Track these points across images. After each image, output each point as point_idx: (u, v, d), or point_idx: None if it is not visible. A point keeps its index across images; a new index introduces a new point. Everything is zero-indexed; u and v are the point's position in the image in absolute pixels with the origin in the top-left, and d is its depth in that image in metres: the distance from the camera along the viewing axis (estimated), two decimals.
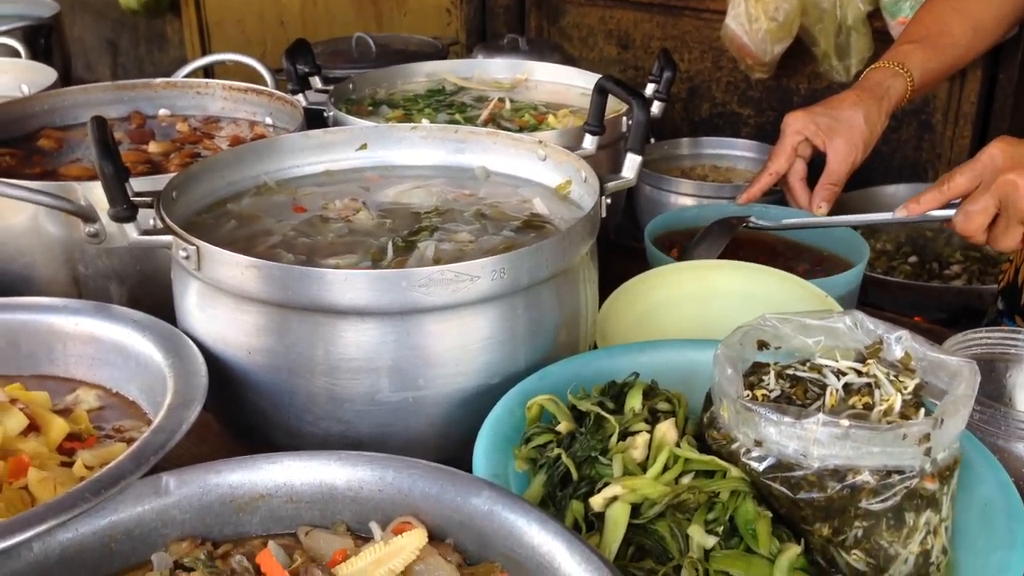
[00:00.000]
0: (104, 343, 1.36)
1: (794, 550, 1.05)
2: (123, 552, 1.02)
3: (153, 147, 1.84)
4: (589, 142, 1.64)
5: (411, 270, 1.20)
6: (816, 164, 1.98)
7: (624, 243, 2.15)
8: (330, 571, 0.96)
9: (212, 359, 1.27)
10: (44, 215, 1.55)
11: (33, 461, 1.12)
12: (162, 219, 1.30)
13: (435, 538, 1.02)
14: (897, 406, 1.11)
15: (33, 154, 1.83)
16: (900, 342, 1.19)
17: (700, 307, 1.63)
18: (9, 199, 1.52)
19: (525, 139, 1.65)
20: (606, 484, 1.10)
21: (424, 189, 1.61)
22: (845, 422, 1.03)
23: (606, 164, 1.76)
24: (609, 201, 1.44)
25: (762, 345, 1.22)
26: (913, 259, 2.77)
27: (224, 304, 1.26)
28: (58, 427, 1.19)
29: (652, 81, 2.06)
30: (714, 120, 3.56)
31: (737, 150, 2.73)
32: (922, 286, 2.57)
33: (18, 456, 1.12)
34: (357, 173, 1.67)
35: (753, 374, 1.19)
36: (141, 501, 1.03)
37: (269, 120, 2.01)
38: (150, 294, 1.55)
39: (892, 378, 1.16)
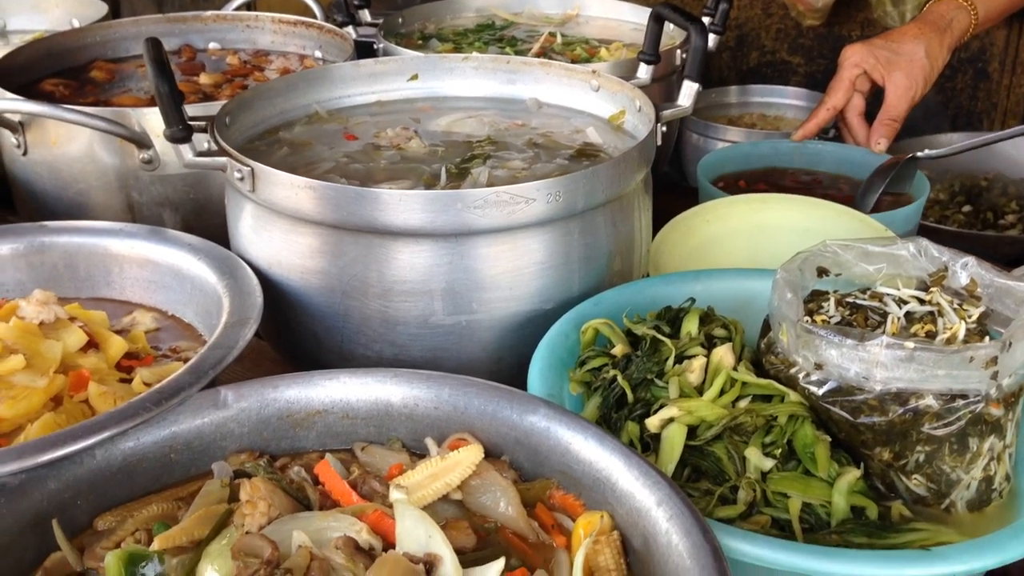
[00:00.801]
0: (160, 266, 1.36)
1: (853, 474, 1.04)
2: (183, 463, 1.03)
3: (204, 79, 1.84)
4: (644, 72, 1.61)
5: (466, 191, 1.19)
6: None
7: (673, 182, 2.12)
8: (387, 484, 0.96)
9: (266, 282, 1.27)
10: (98, 143, 1.56)
11: (93, 376, 1.14)
12: (216, 141, 1.30)
13: (490, 455, 1.02)
14: (961, 335, 1.08)
15: (86, 85, 1.84)
16: (966, 268, 1.16)
17: (753, 241, 1.60)
18: (65, 126, 1.53)
19: (578, 69, 1.62)
20: (662, 406, 1.09)
21: (476, 119, 1.60)
22: (910, 344, 1.01)
23: (658, 97, 1.72)
24: (664, 129, 1.42)
25: (822, 272, 1.19)
26: (967, 208, 2.70)
27: (278, 226, 1.26)
28: (116, 345, 1.21)
29: (707, 14, 2.02)
30: (763, 69, 3.48)
31: (786, 98, 2.67)
32: (976, 235, 2.51)
33: (79, 371, 1.14)
34: (408, 104, 1.66)
35: (812, 301, 1.17)
36: (200, 414, 1.04)
37: (319, 54, 2.00)
38: (203, 222, 1.55)
39: (956, 306, 1.13)
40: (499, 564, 0.83)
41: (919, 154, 1.81)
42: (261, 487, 0.89)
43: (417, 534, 0.83)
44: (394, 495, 0.88)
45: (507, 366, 1.28)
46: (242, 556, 0.81)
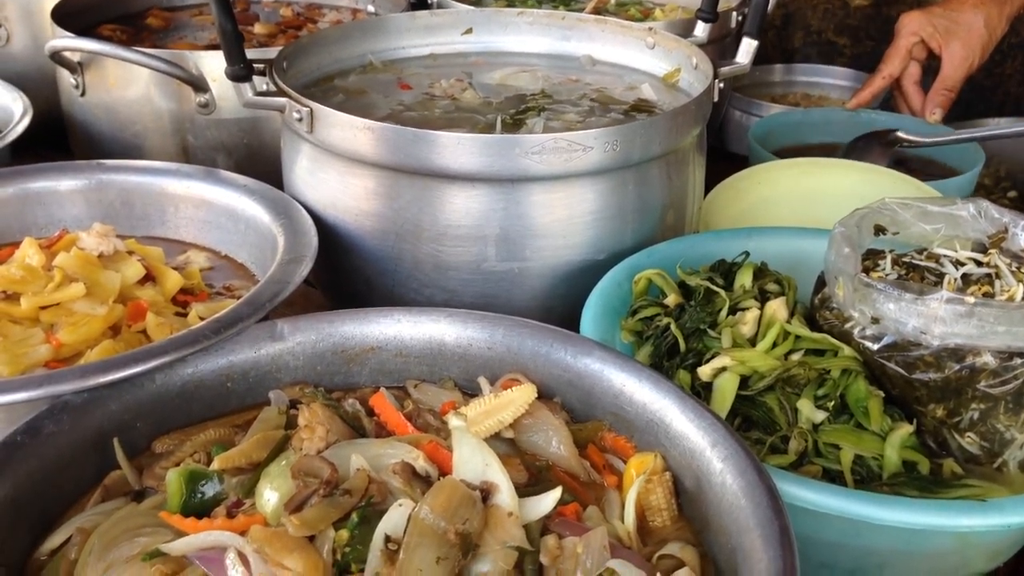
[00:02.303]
0: (214, 206, 1.38)
1: (906, 429, 1.03)
2: (239, 392, 1.04)
3: (259, 28, 1.85)
4: (701, 30, 1.60)
5: (524, 136, 1.19)
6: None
7: (722, 148, 2.11)
8: (441, 418, 0.97)
9: (319, 224, 1.27)
10: (156, 86, 1.57)
11: (150, 308, 1.15)
12: (275, 82, 1.30)
13: (542, 396, 1.02)
14: (1019, 297, 1.07)
15: (142, 31, 1.86)
16: None
17: (805, 206, 1.59)
18: (123, 68, 1.55)
19: (634, 26, 1.61)
20: (715, 355, 1.09)
21: (529, 73, 1.59)
22: (971, 299, 1.00)
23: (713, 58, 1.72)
24: (722, 86, 1.41)
25: (879, 230, 1.18)
26: (1012, 194, 2.67)
27: (334, 168, 1.27)
28: (173, 279, 1.22)
29: None
30: (807, 49, 3.43)
31: (832, 78, 2.63)
32: None
33: (137, 301, 1.15)
34: (461, 58, 1.66)
35: (867, 259, 1.16)
36: (257, 345, 1.05)
37: (371, 8, 2.00)
38: (256, 167, 1.56)
39: (1014, 269, 1.12)
40: (556, 493, 0.83)
41: (901, 134, 1.78)
42: (319, 412, 0.90)
43: (474, 462, 0.84)
44: (453, 422, 0.89)
45: (557, 316, 1.27)
46: (301, 476, 0.82)
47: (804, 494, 0.88)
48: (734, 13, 1.85)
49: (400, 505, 0.79)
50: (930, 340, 1.03)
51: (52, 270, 1.14)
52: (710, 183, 1.58)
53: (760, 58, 3.45)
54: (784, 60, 3.38)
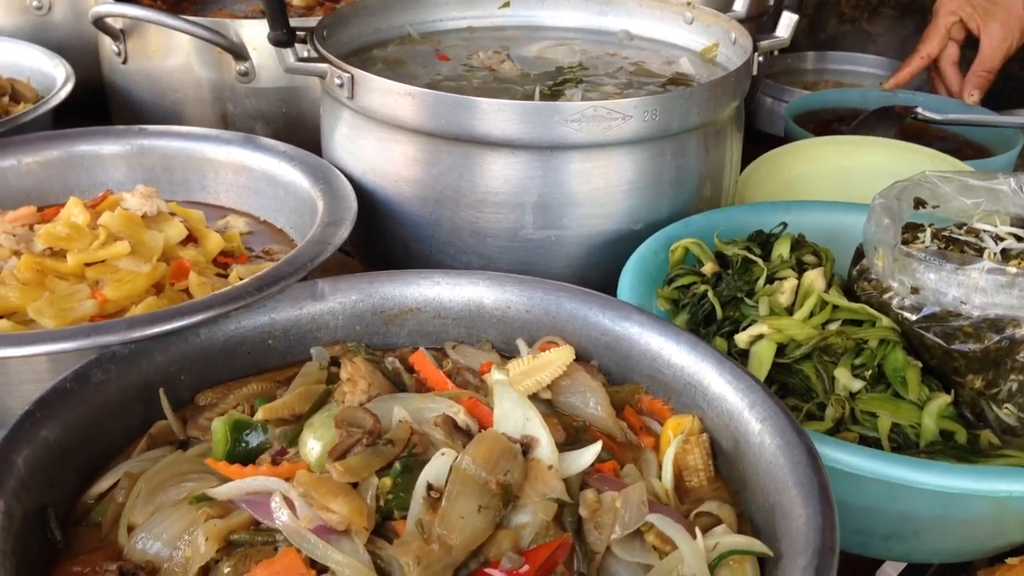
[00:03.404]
0: (254, 172, 1.39)
1: (944, 399, 1.03)
2: (279, 350, 1.05)
3: (297, 0, 1.86)
4: (740, 5, 1.59)
5: (564, 103, 1.19)
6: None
7: (754, 130, 2.10)
8: (480, 376, 0.98)
9: (358, 190, 1.29)
10: (196, 54, 1.59)
11: (192, 268, 1.17)
12: (317, 49, 1.31)
13: (579, 359, 1.03)
14: None
15: (182, 2, 1.87)
16: None
17: (842, 183, 1.58)
18: (165, 36, 1.57)
19: (673, 1, 1.61)
20: (752, 323, 1.09)
21: (567, 47, 1.60)
22: (1012, 269, 1.00)
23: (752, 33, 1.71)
24: (761, 59, 1.40)
25: (919, 203, 1.18)
26: None
27: (374, 134, 1.28)
28: (214, 240, 1.24)
29: None
30: (841, 38, 3.40)
31: (864, 66, 2.60)
32: None
33: (180, 260, 1.17)
34: (499, 31, 1.66)
35: (907, 232, 1.16)
36: (298, 303, 1.06)
37: None
38: (294, 136, 1.57)
39: None
40: (596, 447, 0.84)
41: (918, 113, 1.77)
42: (362, 366, 0.91)
43: (515, 416, 0.85)
44: (496, 376, 0.90)
45: (592, 285, 1.26)
46: (345, 426, 0.83)
47: (843, 457, 0.88)
48: None
49: (443, 454, 0.80)
50: (970, 310, 1.02)
51: (97, 229, 1.16)
52: (742, 165, 1.58)
53: (792, 46, 3.44)
54: (816, 48, 3.35)
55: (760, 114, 2.39)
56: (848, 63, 2.66)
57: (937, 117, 1.80)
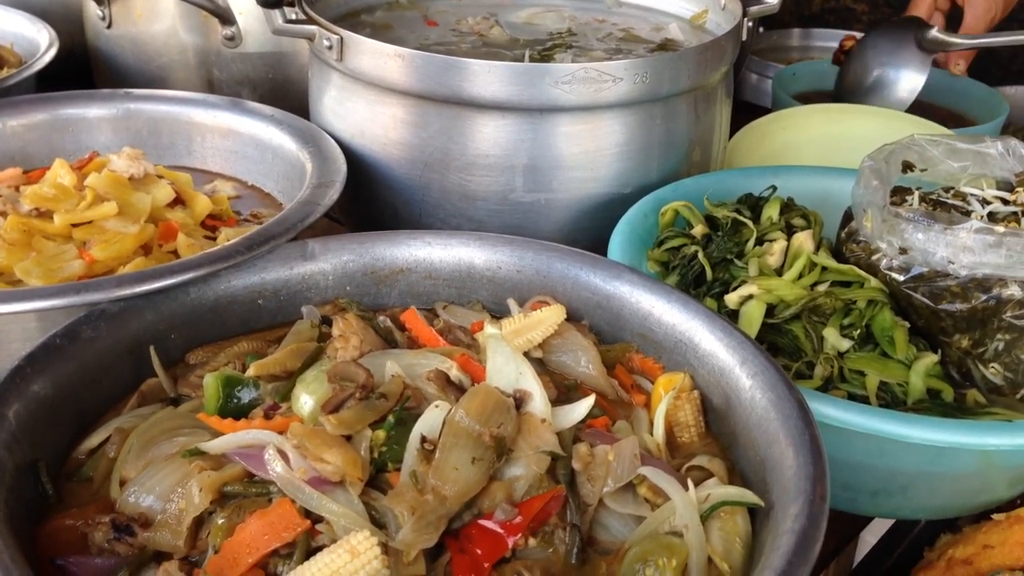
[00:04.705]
0: (242, 136, 1.38)
1: (931, 358, 1.04)
2: (270, 310, 1.05)
3: None
4: None
5: (555, 65, 1.19)
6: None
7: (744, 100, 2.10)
8: (472, 334, 0.98)
9: (347, 154, 1.28)
10: (182, 19, 1.57)
11: (181, 229, 1.16)
12: (305, 11, 1.30)
13: (570, 319, 1.03)
14: None
15: None
16: None
17: (830, 151, 1.58)
18: (151, 1, 1.55)
19: None
20: (742, 283, 1.09)
21: (555, 13, 1.59)
22: (1000, 228, 1.00)
23: None
24: (751, 24, 1.40)
25: (907, 167, 1.19)
26: None
27: (363, 97, 1.27)
28: (202, 203, 1.23)
29: None
30: (825, 16, 3.39)
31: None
32: None
33: (168, 222, 1.16)
34: None
35: (895, 195, 1.16)
36: (288, 263, 1.06)
37: None
38: (280, 102, 1.56)
39: None
40: (589, 401, 0.84)
41: (935, 31, 1.75)
42: (353, 323, 0.91)
43: (508, 371, 0.85)
44: (489, 330, 0.90)
45: (581, 248, 1.28)
46: (338, 380, 0.83)
47: (832, 412, 0.89)
48: None
49: (437, 407, 0.80)
50: (958, 270, 1.03)
51: (84, 191, 1.15)
52: (730, 134, 1.58)
53: (777, 23, 3.43)
54: (801, 25, 3.35)
55: (745, 90, 2.38)
56: (833, 40, 2.64)
57: (955, 39, 1.76)
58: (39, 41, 1.64)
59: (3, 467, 0.75)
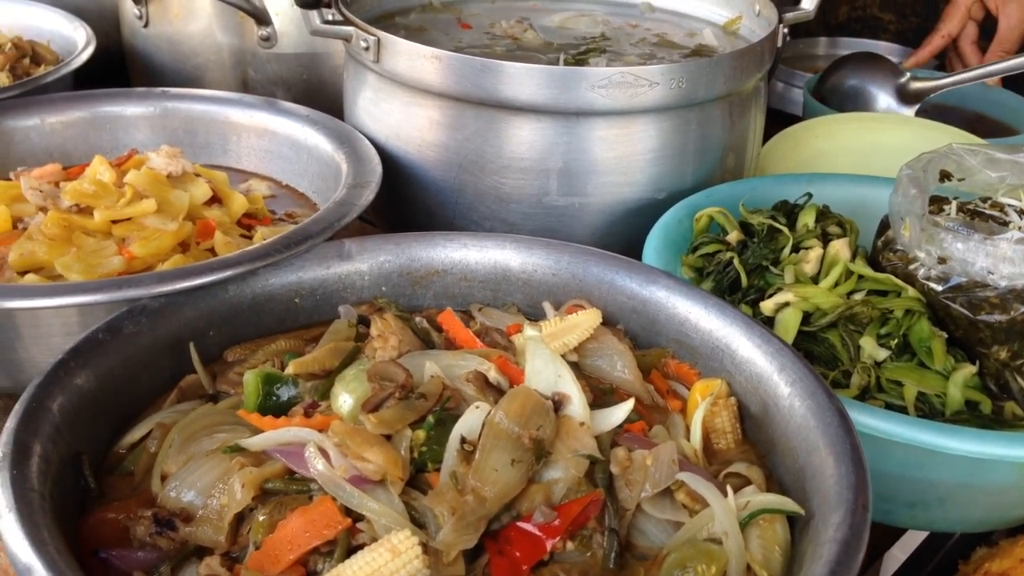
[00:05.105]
0: (277, 136, 1.39)
1: (969, 369, 1.03)
2: (306, 309, 1.06)
3: None
4: None
5: (591, 68, 1.19)
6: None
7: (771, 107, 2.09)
8: (508, 337, 0.98)
9: (381, 155, 1.28)
10: (218, 18, 1.59)
11: (217, 227, 1.17)
12: (342, 12, 1.31)
13: (606, 323, 1.03)
14: None
15: None
16: None
17: (864, 160, 1.58)
18: (188, 1, 1.56)
19: None
20: (777, 290, 1.09)
21: (588, 17, 1.59)
22: None
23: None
24: (786, 31, 1.40)
25: (945, 176, 1.18)
26: None
27: (399, 98, 1.28)
28: (239, 202, 1.24)
29: None
30: (852, 24, 3.38)
31: (876, 52, 2.59)
32: None
33: (205, 220, 1.17)
34: (521, 2, 1.66)
35: (932, 205, 1.15)
36: (325, 263, 1.06)
37: None
38: (314, 103, 1.56)
39: None
40: (628, 405, 0.84)
41: (909, 77, 1.75)
42: (392, 322, 0.91)
43: (547, 374, 0.85)
44: (528, 332, 0.90)
45: (613, 252, 1.28)
46: (377, 379, 0.83)
47: (871, 421, 0.89)
48: None
49: (477, 407, 0.80)
50: (997, 280, 1.03)
51: (123, 187, 1.15)
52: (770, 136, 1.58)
53: (803, 31, 3.42)
54: (827, 34, 3.33)
55: (772, 98, 2.37)
56: (860, 49, 2.64)
57: (928, 85, 1.76)
58: (76, 39, 1.65)
59: (48, 459, 0.75)
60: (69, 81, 1.55)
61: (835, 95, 1.82)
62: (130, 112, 1.40)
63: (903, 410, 1.00)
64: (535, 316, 1.07)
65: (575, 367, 0.98)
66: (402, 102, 1.28)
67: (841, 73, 1.81)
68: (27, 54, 1.64)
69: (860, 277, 1.11)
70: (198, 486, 0.78)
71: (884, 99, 1.81)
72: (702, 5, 1.60)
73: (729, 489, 0.80)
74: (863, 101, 1.82)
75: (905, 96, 1.79)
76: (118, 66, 1.78)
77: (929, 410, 1.01)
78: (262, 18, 1.53)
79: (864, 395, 1.02)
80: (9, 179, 1.20)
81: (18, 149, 1.35)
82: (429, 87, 1.23)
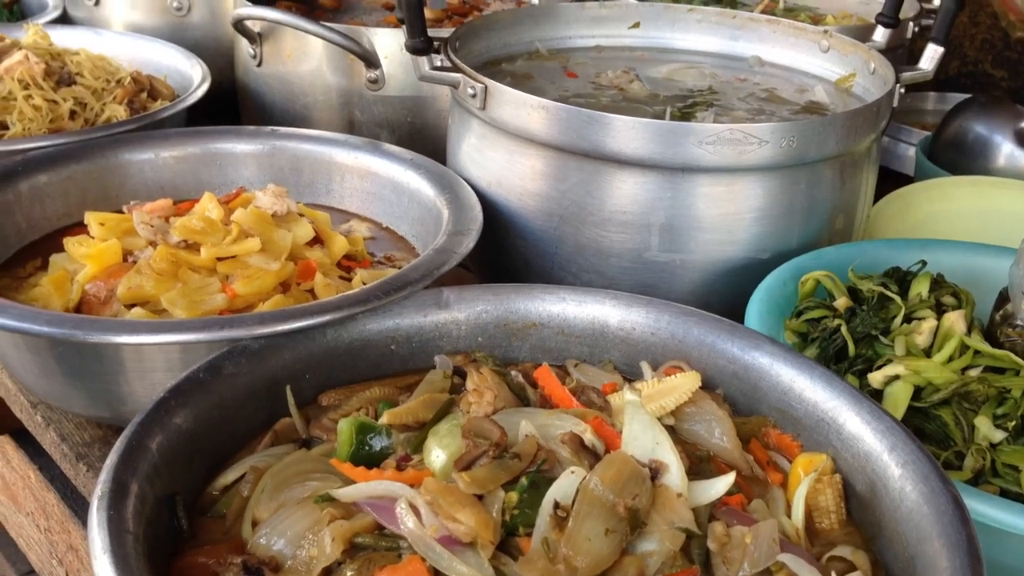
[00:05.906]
0: (380, 178, 1.40)
1: None
2: (402, 356, 1.05)
3: (427, 13, 1.88)
4: (880, 35, 1.55)
5: (699, 124, 1.17)
6: None
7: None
8: (604, 396, 0.96)
9: (482, 201, 1.28)
10: (328, 60, 1.62)
11: (318, 269, 1.18)
12: (451, 59, 1.32)
13: (705, 387, 1.00)
14: None
15: (315, 10, 1.91)
16: None
17: (980, 225, 1.52)
18: (300, 40, 1.60)
19: (808, 28, 1.57)
20: (887, 362, 1.04)
21: (696, 70, 1.57)
22: None
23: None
24: (903, 91, 1.36)
25: None
26: None
27: (503, 146, 1.28)
28: (340, 244, 1.25)
29: None
30: (962, 80, 3.28)
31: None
32: None
33: (307, 261, 1.18)
34: (627, 52, 1.65)
35: None
36: (423, 310, 1.06)
37: (536, 0, 2.01)
38: (418, 145, 1.58)
39: None
40: (729, 478, 0.81)
41: None
42: (489, 377, 0.90)
43: (644, 439, 0.82)
44: (628, 396, 0.88)
45: (713, 312, 1.25)
46: (471, 436, 0.82)
47: (987, 510, 0.84)
48: (911, 23, 1.79)
49: (572, 472, 0.78)
50: None
51: (230, 224, 1.17)
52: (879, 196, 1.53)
53: (911, 86, 3.32)
54: (936, 89, 3.25)
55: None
56: None
57: None
58: (192, 75, 1.70)
59: (144, 499, 0.76)
60: (183, 116, 1.59)
61: (951, 147, 1.75)
62: (240, 149, 1.44)
63: (1019, 497, 0.94)
64: (632, 375, 1.05)
65: (671, 431, 0.95)
66: (506, 150, 1.28)
67: (957, 122, 1.75)
68: (145, 88, 1.70)
69: (976, 352, 1.06)
70: (288, 535, 0.78)
71: (1007, 146, 1.74)
72: (814, 61, 1.56)
73: (833, 575, 0.76)
74: (980, 148, 1.76)
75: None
76: (230, 102, 1.83)
77: None
78: (371, 61, 1.56)
79: (978, 479, 0.96)
80: (122, 211, 1.23)
81: (132, 182, 1.39)
82: (534, 136, 1.23)
